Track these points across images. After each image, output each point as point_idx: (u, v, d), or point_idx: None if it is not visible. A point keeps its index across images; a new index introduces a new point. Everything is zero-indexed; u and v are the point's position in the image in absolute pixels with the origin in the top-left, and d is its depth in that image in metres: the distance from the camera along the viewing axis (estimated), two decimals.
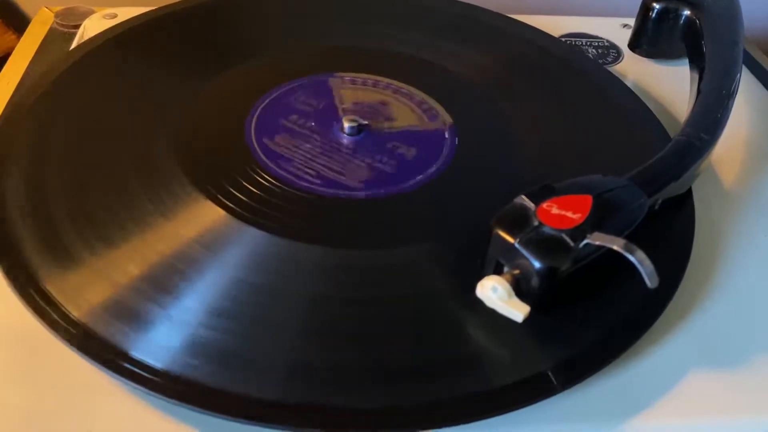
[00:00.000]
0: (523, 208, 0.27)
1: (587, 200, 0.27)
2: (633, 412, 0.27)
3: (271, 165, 0.33)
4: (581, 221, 0.26)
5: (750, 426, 0.27)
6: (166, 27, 0.42)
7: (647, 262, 0.24)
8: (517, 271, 0.26)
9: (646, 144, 0.36)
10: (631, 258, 0.24)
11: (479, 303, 0.27)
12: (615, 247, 0.25)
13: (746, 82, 0.45)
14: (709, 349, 0.29)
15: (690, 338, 0.29)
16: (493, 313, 0.26)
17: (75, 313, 0.26)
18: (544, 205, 0.27)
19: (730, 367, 0.29)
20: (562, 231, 0.26)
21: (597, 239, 0.25)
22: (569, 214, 0.27)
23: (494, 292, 0.26)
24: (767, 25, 0.64)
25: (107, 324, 0.26)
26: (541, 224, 0.26)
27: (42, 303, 0.27)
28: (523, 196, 0.27)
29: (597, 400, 0.27)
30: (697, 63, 0.40)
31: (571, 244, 0.26)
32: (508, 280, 0.26)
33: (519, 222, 0.27)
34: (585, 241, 0.26)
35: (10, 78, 0.42)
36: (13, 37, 0.54)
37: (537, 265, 0.25)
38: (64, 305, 0.27)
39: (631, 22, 0.47)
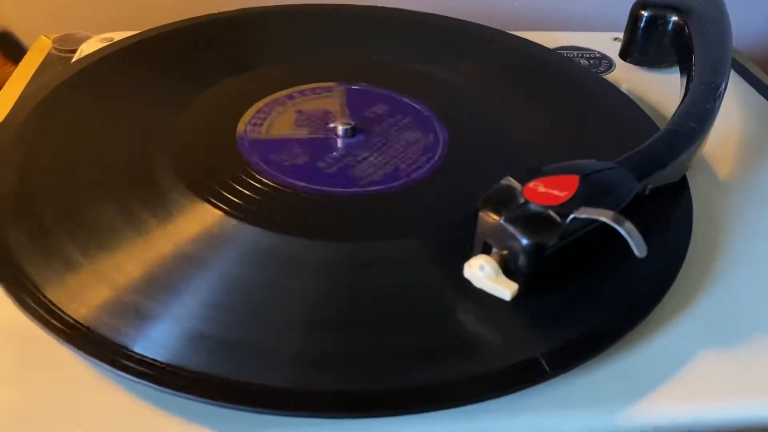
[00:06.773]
0: (509, 189, 0.27)
1: (574, 180, 0.27)
2: (639, 396, 0.26)
3: (263, 165, 0.33)
4: (568, 198, 0.26)
5: (759, 407, 0.26)
6: (158, 45, 0.43)
7: (635, 232, 0.24)
8: (505, 252, 0.26)
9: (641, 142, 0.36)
10: (620, 229, 0.24)
11: (472, 289, 0.26)
12: (602, 218, 0.24)
13: (744, 91, 0.45)
14: (715, 332, 0.28)
15: (694, 322, 0.29)
16: (485, 298, 0.26)
17: (74, 315, 0.26)
18: (530, 184, 0.27)
19: (737, 350, 0.28)
20: (548, 207, 0.26)
21: (584, 212, 0.25)
22: (556, 192, 0.26)
23: (481, 270, 0.25)
24: (763, 40, 0.64)
25: (107, 324, 0.26)
26: (527, 201, 0.26)
27: (40, 310, 0.26)
28: (509, 177, 0.27)
29: (602, 384, 0.26)
30: (686, 66, 0.40)
31: (558, 219, 0.25)
32: (495, 259, 0.26)
33: (505, 201, 0.26)
34: (572, 216, 0.25)
35: (7, 98, 0.42)
36: (12, 68, 0.55)
37: (524, 241, 0.25)
38: (63, 309, 0.26)
39: (622, 35, 0.47)
